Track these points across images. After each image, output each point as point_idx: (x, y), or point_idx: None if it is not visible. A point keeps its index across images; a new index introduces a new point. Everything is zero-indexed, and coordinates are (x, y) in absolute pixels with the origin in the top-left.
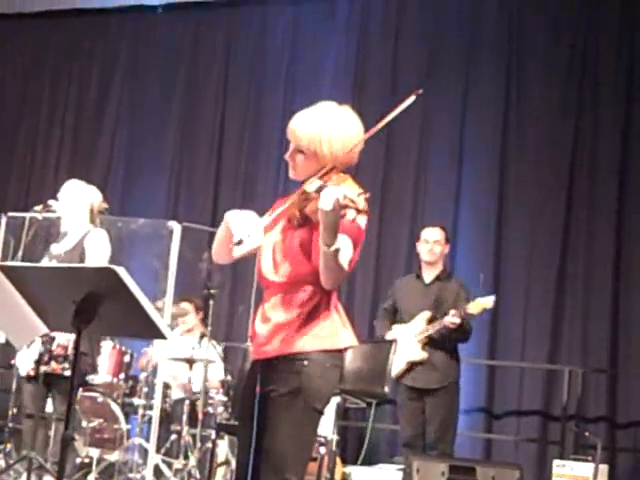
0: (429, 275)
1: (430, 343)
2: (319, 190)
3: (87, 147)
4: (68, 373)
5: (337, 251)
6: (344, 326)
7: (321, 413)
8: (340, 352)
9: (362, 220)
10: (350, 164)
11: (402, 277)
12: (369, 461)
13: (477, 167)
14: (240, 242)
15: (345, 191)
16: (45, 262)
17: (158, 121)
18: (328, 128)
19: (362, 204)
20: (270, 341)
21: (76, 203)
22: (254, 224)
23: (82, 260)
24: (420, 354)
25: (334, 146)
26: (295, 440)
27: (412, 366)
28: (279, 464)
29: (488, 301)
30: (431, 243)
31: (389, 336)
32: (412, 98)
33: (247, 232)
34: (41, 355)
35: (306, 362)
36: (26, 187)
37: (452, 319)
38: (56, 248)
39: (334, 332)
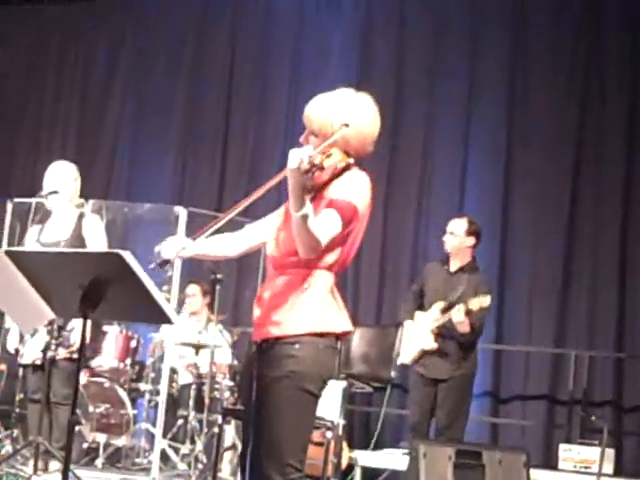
0: (455, 264)
1: (442, 334)
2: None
3: (92, 132)
4: (75, 357)
5: (305, 217)
6: (340, 311)
7: (316, 396)
8: (336, 336)
9: (353, 195)
10: (363, 153)
11: (432, 262)
12: (375, 446)
13: (483, 154)
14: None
15: (310, 150)
16: (35, 248)
17: (164, 106)
18: (342, 114)
19: (318, 158)
20: (265, 323)
21: (69, 184)
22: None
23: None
24: (431, 344)
25: (347, 133)
26: (291, 424)
27: (424, 355)
28: (276, 448)
29: (485, 300)
30: (448, 234)
31: (407, 324)
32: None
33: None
34: (47, 343)
35: (297, 345)
36: (31, 172)
37: (459, 316)
38: (47, 236)
39: (329, 316)
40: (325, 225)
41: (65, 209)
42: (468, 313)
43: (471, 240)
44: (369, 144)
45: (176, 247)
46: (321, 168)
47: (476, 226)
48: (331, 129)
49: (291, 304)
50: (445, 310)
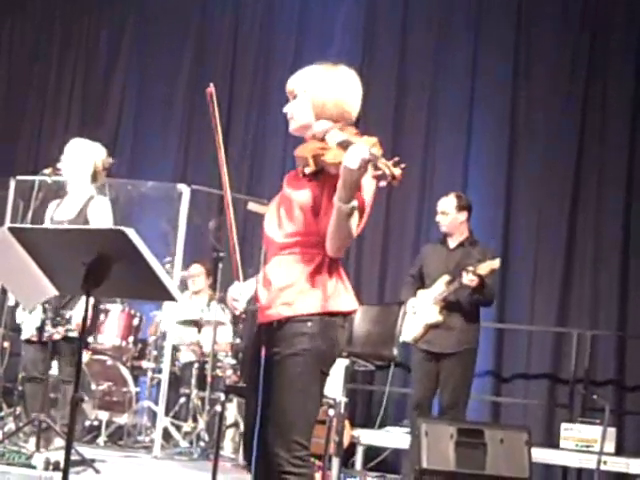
0: (453, 241)
1: (448, 307)
2: (342, 144)
3: (96, 110)
4: (72, 335)
5: (353, 209)
6: (347, 291)
7: (326, 374)
8: (344, 315)
9: (363, 185)
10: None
11: (429, 243)
12: (378, 424)
13: (486, 137)
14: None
15: (376, 152)
16: (47, 225)
17: (167, 83)
18: (336, 87)
19: (398, 172)
20: (272, 304)
21: (78, 163)
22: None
23: None
24: (436, 317)
25: (345, 106)
26: (300, 402)
27: (429, 329)
28: (285, 426)
29: (495, 262)
30: (439, 214)
31: (411, 302)
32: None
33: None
34: (43, 321)
35: (309, 324)
36: (35, 150)
37: (469, 276)
38: (58, 213)
39: (337, 295)
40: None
41: (80, 188)
42: (478, 277)
43: (463, 215)
44: (357, 108)
45: (246, 296)
46: (392, 175)
47: (465, 200)
48: (331, 107)
49: (301, 284)
50: (450, 282)
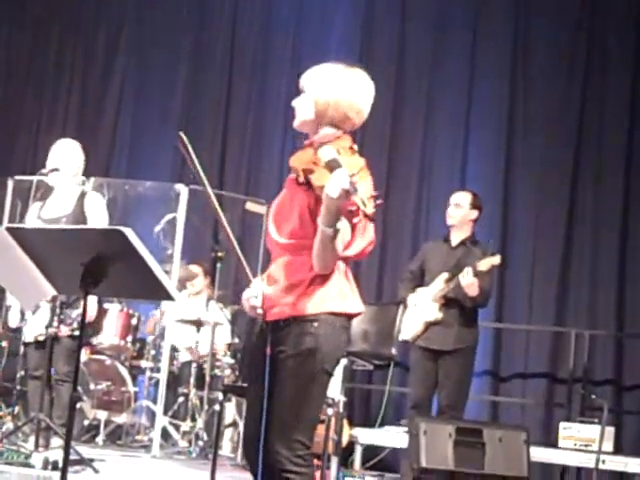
0: (456, 238)
1: (447, 304)
2: (329, 164)
3: (94, 110)
4: (76, 334)
5: (336, 232)
6: (352, 292)
7: (330, 374)
8: (348, 317)
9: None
10: (360, 123)
11: (432, 240)
12: (376, 423)
13: (484, 134)
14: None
15: (355, 182)
16: (37, 224)
17: (165, 83)
18: (339, 84)
19: (371, 210)
20: (278, 303)
21: (74, 162)
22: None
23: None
24: (435, 314)
25: (346, 109)
26: (304, 401)
27: (428, 327)
28: (288, 425)
29: (495, 258)
30: (452, 205)
31: (410, 299)
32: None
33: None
34: (51, 320)
35: (316, 324)
36: (33, 150)
37: (468, 277)
38: (47, 212)
39: (343, 296)
40: (342, 235)
41: (67, 186)
42: (476, 275)
43: (474, 213)
44: (364, 113)
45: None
46: (364, 213)
47: (479, 200)
48: (333, 108)
49: (306, 284)
50: (450, 280)
